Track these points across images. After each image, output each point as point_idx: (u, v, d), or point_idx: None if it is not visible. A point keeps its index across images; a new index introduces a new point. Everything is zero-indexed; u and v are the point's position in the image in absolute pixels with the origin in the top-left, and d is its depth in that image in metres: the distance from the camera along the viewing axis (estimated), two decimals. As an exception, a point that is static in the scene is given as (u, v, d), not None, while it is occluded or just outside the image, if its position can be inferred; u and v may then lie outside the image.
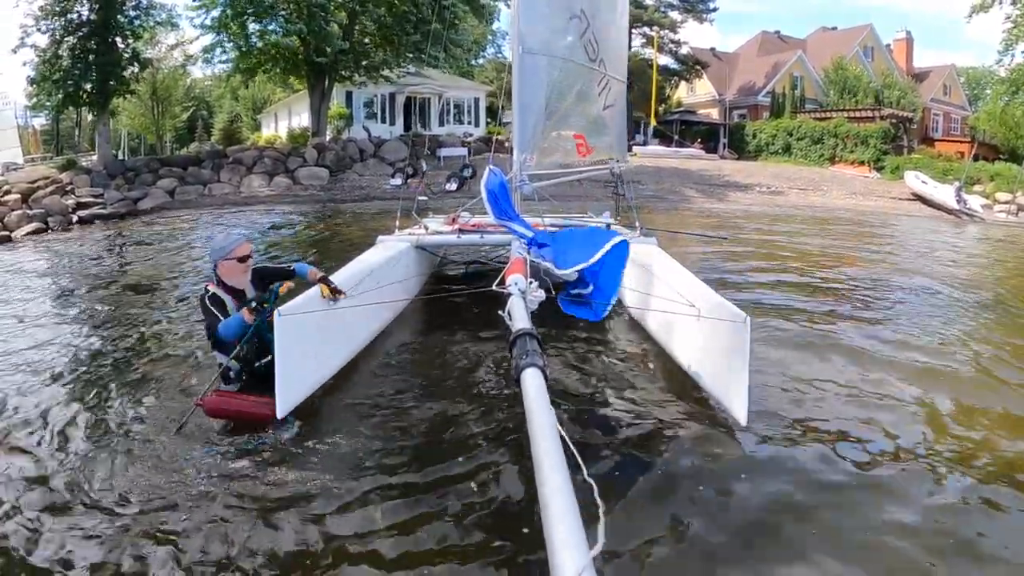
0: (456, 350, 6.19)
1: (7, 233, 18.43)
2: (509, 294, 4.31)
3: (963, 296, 9.46)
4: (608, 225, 8.22)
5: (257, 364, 4.94)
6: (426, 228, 8.20)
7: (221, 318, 4.76)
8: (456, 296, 7.52)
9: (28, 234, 18.45)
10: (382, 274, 6.38)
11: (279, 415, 4.35)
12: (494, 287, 4.73)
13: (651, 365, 5.86)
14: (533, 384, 2.80)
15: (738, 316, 4.59)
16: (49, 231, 19.15)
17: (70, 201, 21.50)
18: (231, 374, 4.98)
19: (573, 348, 6.21)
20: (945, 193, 26.30)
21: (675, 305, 5.49)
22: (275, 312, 4.49)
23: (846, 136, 36.90)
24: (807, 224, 19.77)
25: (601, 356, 6.09)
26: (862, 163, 35.67)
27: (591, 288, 5.53)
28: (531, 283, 4.52)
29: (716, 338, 4.89)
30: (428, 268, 8.65)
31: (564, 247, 5.76)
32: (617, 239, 5.48)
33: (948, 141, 42.37)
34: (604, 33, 8.57)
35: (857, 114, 39.06)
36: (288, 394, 4.44)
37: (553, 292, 5.66)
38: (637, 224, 8.42)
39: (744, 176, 31.50)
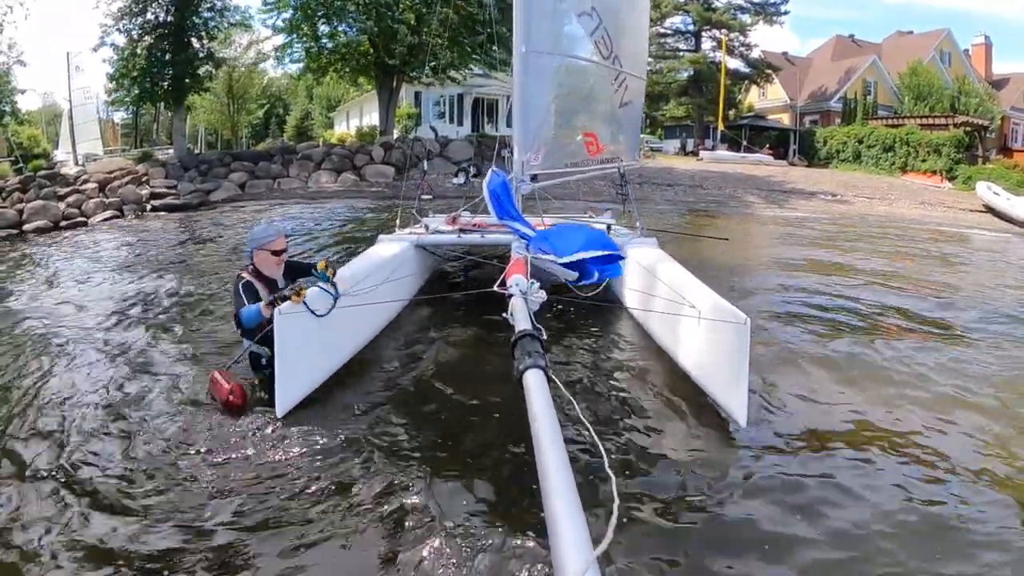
0: (456, 350, 6.16)
1: (84, 219, 19.46)
2: (510, 295, 4.39)
3: (1011, 318, 8.72)
4: (609, 226, 8.13)
5: None
6: (426, 228, 8.12)
7: (246, 303, 4.89)
8: (456, 296, 7.48)
9: (103, 220, 19.43)
10: (382, 273, 6.31)
11: (279, 414, 4.39)
12: (495, 288, 4.78)
13: (651, 366, 5.79)
14: (535, 385, 2.83)
15: (739, 317, 4.53)
16: (123, 218, 20.07)
17: (144, 191, 22.50)
18: (262, 360, 5.14)
19: (574, 349, 6.16)
20: (1018, 205, 25.28)
21: (676, 306, 5.44)
22: (276, 311, 4.52)
23: (918, 144, 35.82)
24: (862, 232, 19.18)
25: (602, 357, 6.04)
26: (934, 172, 34.51)
27: (595, 275, 5.62)
28: (532, 283, 4.57)
29: (717, 339, 4.83)
30: (428, 268, 8.55)
31: (565, 238, 5.83)
32: (615, 252, 5.58)
33: (1028, 151, 40.83)
34: (619, 30, 8.46)
35: (930, 121, 37.86)
36: (287, 393, 4.47)
37: (569, 283, 5.80)
38: (638, 224, 8.33)
39: (810, 183, 30.83)
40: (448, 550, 3.26)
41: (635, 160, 10.07)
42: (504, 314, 4.15)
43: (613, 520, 1.78)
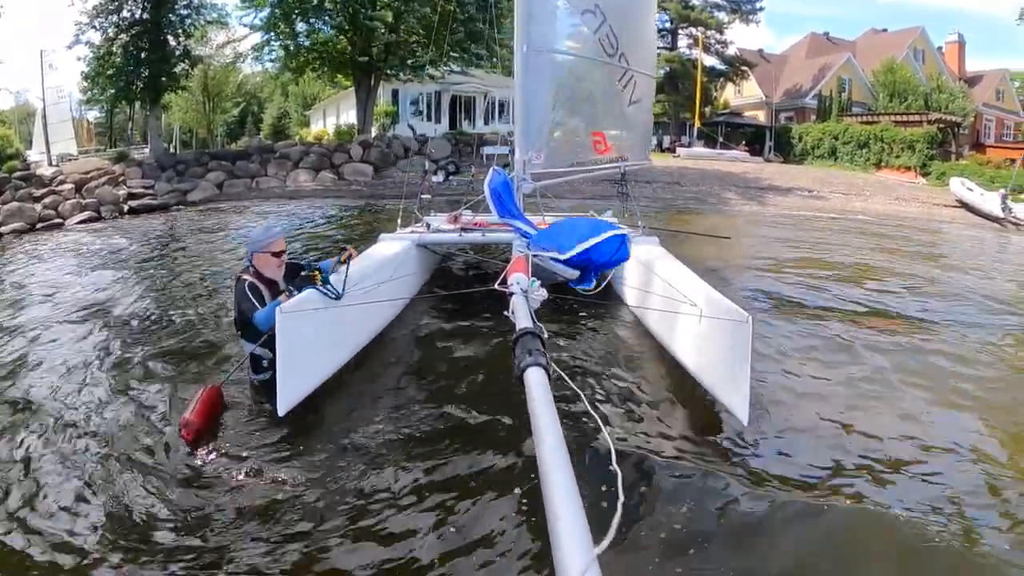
0: (458, 348, 6.13)
1: (60, 220, 19.23)
2: (511, 293, 4.40)
3: (990, 308, 9.18)
4: None
5: None
6: (428, 226, 8.16)
7: (258, 306, 4.88)
8: (457, 295, 7.46)
9: (80, 222, 19.20)
10: (383, 272, 6.31)
11: (279, 412, 4.33)
12: (496, 286, 4.80)
13: (653, 364, 5.79)
14: (536, 383, 2.85)
15: (740, 315, 4.49)
16: (101, 219, 19.85)
17: (122, 192, 22.25)
18: (264, 362, 5.09)
19: (575, 347, 6.14)
20: (991, 200, 25.67)
21: (677, 304, 5.43)
22: (277, 311, 4.46)
23: (892, 140, 36.25)
24: (837, 228, 19.50)
25: (603, 355, 6.02)
26: (908, 168, 34.98)
27: (594, 282, 5.62)
28: (533, 282, 4.59)
29: (718, 337, 4.80)
30: (430, 266, 8.57)
31: (564, 234, 5.82)
32: (616, 231, 5.57)
33: (1000, 147, 41.23)
34: (626, 27, 8.39)
35: (904, 118, 38.32)
36: (289, 392, 4.40)
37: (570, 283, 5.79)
38: (640, 223, 8.35)
39: (786, 180, 31.12)
40: (448, 548, 3.28)
41: (647, 159, 9.98)
42: (505, 312, 4.17)
43: (616, 518, 1.80)
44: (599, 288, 5.88)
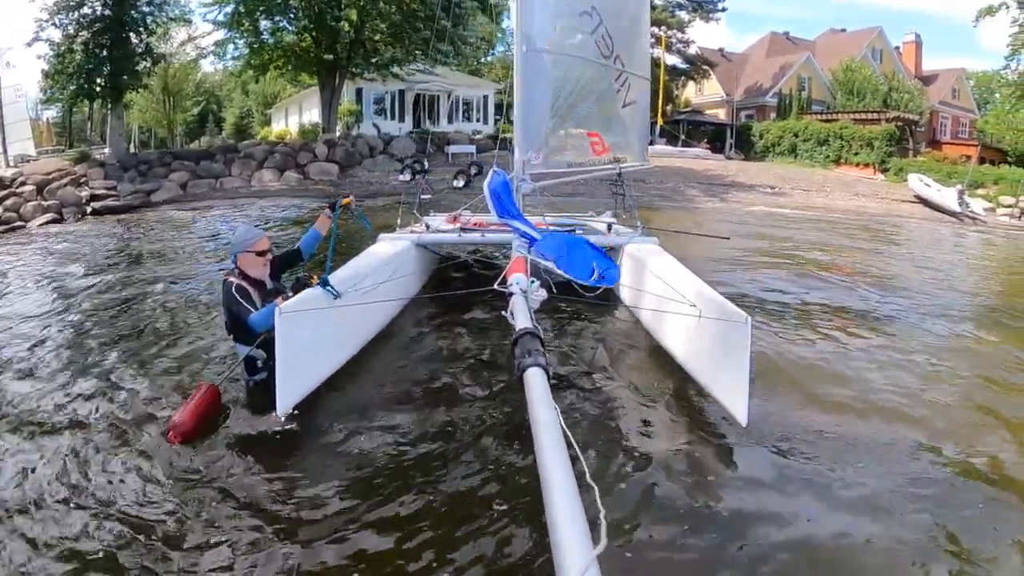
0: (457, 349, 6.13)
1: (22, 223, 18.77)
2: (511, 293, 4.42)
3: (959, 301, 9.47)
4: (609, 225, 8.24)
5: None
6: (427, 226, 8.16)
7: (251, 309, 4.87)
8: (457, 295, 7.41)
9: (43, 224, 18.77)
10: (383, 272, 6.29)
11: (279, 413, 4.33)
12: (495, 286, 4.81)
13: (652, 365, 5.78)
14: (536, 383, 2.90)
15: (739, 316, 4.50)
16: (63, 221, 19.45)
17: (84, 193, 21.75)
18: (257, 363, 5.10)
19: (573, 347, 6.16)
20: (948, 196, 26.34)
21: (676, 305, 5.43)
22: (276, 311, 4.44)
23: (851, 138, 36.90)
24: (803, 225, 19.91)
25: (601, 356, 6.00)
26: (867, 165, 35.65)
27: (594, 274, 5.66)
28: (533, 282, 4.63)
29: (717, 338, 4.80)
30: (429, 266, 8.52)
31: (565, 252, 5.86)
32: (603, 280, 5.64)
33: (956, 144, 42.14)
34: (621, 29, 8.47)
35: (863, 116, 39.05)
36: (288, 392, 4.39)
37: (555, 290, 5.83)
38: (638, 223, 8.38)
39: (748, 177, 31.53)
40: (448, 547, 3.29)
41: (645, 161, 10.02)
42: (504, 312, 4.20)
43: (603, 527, 1.83)
44: (600, 287, 5.92)
